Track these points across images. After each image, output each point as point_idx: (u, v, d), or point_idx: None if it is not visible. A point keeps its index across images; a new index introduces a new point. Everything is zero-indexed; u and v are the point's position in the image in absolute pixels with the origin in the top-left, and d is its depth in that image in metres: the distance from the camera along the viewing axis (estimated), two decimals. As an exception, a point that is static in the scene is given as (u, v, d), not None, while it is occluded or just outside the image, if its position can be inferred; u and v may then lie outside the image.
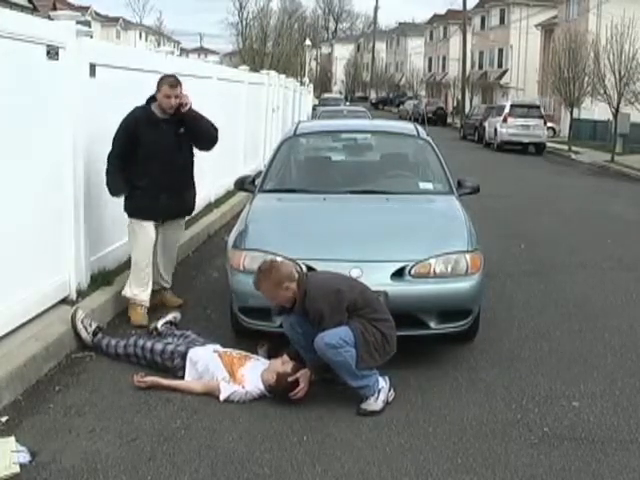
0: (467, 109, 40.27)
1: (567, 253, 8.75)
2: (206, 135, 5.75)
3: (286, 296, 4.22)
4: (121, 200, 5.50)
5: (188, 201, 5.84)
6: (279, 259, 4.58)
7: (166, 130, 5.49)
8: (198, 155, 5.94)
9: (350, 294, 4.20)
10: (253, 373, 4.33)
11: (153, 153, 5.43)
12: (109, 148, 5.35)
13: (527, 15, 46.46)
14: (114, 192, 5.48)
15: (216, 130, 5.81)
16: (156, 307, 5.64)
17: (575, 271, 7.82)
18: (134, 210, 5.51)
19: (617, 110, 23.19)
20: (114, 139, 5.44)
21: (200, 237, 8.40)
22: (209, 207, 9.65)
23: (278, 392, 4.23)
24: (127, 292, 5.53)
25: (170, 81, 5.45)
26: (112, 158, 5.41)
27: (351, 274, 4.59)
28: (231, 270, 4.94)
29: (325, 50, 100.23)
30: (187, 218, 6.25)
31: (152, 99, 5.55)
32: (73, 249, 5.36)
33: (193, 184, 5.88)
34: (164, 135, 5.48)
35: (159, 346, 4.62)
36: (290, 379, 4.20)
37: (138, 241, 5.51)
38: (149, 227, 5.50)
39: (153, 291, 5.63)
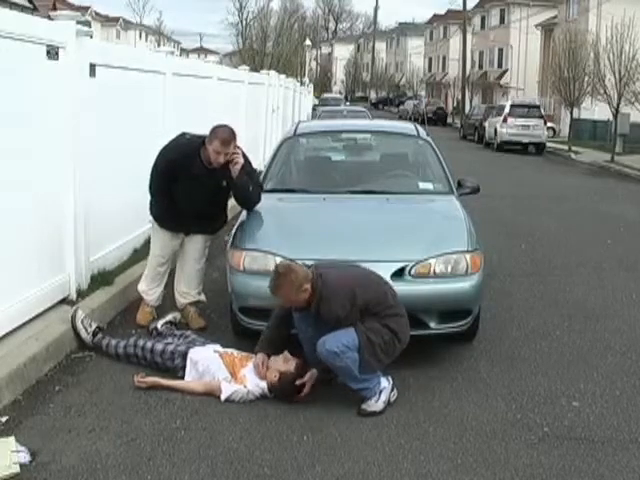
0: (467, 109, 40.27)
1: (567, 253, 8.75)
2: (245, 203, 5.42)
3: (304, 298, 4.15)
4: (121, 200, 5.48)
5: (213, 223, 5.55)
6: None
7: (207, 182, 5.13)
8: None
9: (365, 294, 4.14)
10: (254, 373, 4.33)
11: (187, 197, 5.19)
12: (109, 148, 5.30)
13: (527, 15, 46.46)
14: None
15: (259, 197, 5.39)
16: (157, 308, 5.64)
17: (575, 271, 7.82)
18: (157, 216, 5.46)
19: (617, 110, 23.17)
20: (153, 170, 5.24)
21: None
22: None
23: (279, 391, 4.22)
24: (139, 286, 5.58)
25: (224, 138, 4.95)
26: (154, 192, 5.31)
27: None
28: (231, 270, 4.94)
29: (325, 50, 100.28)
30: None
31: (204, 142, 5.07)
32: (73, 249, 5.36)
33: (225, 213, 5.62)
34: (204, 186, 5.14)
35: (159, 346, 4.61)
36: (298, 382, 4.20)
37: (155, 238, 5.55)
38: (166, 231, 5.46)
39: (180, 310, 5.51)
